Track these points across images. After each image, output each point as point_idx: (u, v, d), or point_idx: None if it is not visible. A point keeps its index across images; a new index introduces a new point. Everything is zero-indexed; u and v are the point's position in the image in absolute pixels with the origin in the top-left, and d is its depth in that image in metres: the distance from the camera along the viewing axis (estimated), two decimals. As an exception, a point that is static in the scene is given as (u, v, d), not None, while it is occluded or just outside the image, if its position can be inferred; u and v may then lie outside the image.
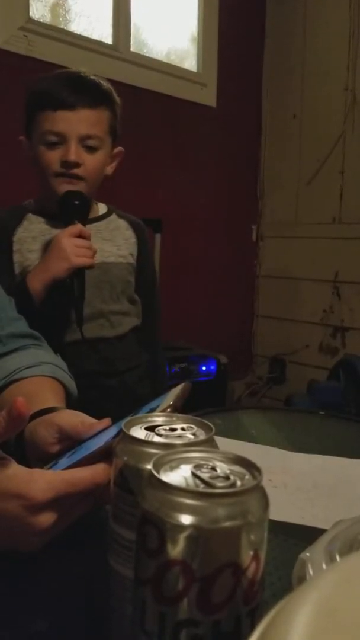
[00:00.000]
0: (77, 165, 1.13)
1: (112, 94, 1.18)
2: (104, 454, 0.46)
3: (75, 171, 1.13)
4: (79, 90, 1.13)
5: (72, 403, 0.76)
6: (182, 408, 0.47)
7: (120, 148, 1.24)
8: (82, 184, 1.15)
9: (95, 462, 0.46)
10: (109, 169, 1.24)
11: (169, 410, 0.45)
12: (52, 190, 1.14)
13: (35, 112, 1.15)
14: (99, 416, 0.56)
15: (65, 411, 0.60)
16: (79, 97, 1.12)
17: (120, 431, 0.40)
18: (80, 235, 1.10)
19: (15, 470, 0.45)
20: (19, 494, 0.43)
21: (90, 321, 1.17)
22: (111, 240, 1.27)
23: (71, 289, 1.10)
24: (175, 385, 0.51)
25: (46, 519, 0.44)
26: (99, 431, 0.53)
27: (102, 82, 1.17)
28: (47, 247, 1.14)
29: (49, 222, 1.20)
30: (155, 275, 1.40)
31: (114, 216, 1.31)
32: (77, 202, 1.13)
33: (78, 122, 1.12)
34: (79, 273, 1.10)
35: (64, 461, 0.51)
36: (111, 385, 1.20)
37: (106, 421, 0.54)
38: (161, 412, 0.45)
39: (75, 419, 0.56)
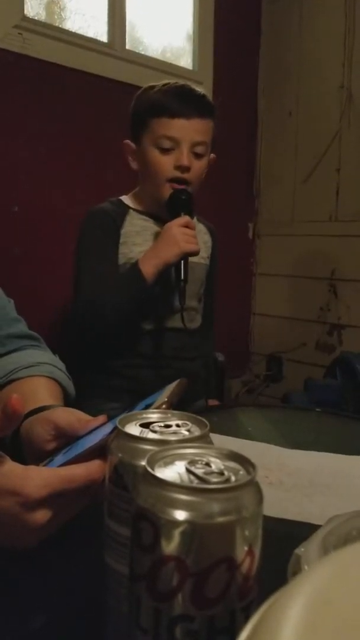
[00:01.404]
0: (187, 169, 1.24)
1: (214, 107, 1.30)
2: (100, 451, 0.46)
3: (186, 175, 1.25)
4: (193, 101, 1.24)
5: (70, 403, 0.76)
6: (178, 404, 0.47)
7: (213, 155, 1.35)
8: (188, 188, 1.26)
9: (90, 459, 0.46)
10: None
11: (164, 406, 0.45)
12: (160, 194, 1.26)
13: (149, 118, 1.25)
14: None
15: (61, 408, 0.60)
16: (193, 108, 1.23)
17: (116, 428, 0.40)
18: (187, 226, 1.23)
19: (11, 467, 0.45)
20: (14, 491, 0.43)
21: (174, 314, 1.30)
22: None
23: (178, 273, 1.22)
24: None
25: (41, 516, 0.44)
26: (94, 428, 0.53)
27: (206, 95, 1.29)
28: (150, 241, 1.28)
29: (150, 221, 1.31)
30: (218, 274, 1.53)
31: (195, 220, 1.40)
32: (184, 197, 1.25)
33: (192, 129, 1.23)
34: (185, 258, 1.22)
35: (60, 458, 0.51)
36: (184, 367, 1.31)
37: (102, 418, 0.54)
38: (156, 408, 0.45)
39: (71, 416, 0.56)
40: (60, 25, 2.08)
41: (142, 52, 2.37)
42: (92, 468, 0.45)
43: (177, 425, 0.41)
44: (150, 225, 1.31)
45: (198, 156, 1.26)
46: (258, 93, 2.85)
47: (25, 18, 1.92)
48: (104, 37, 2.22)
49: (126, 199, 1.35)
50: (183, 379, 0.51)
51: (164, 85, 1.27)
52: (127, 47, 2.29)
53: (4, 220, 1.84)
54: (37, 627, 0.43)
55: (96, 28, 2.20)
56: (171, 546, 0.30)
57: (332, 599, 0.19)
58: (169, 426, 0.40)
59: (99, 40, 2.19)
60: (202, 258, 1.39)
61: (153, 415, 0.42)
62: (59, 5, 2.12)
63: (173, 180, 1.25)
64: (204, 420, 0.41)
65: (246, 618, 0.31)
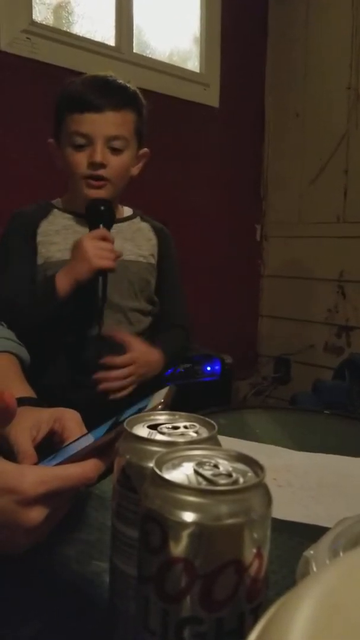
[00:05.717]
0: (102, 166, 1.17)
1: (137, 97, 1.23)
2: (94, 452, 0.46)
3: (101, 172, 1.18)
4: (105, 93, 1.17)
5: (25, 368, 0.79)
6: (174, 407, 0.47)
7: (145, 149, 1.29)
8: (108, 185, 1.20)
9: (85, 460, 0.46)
10: (135, 170, 1.29)
11: (159, 407, 0.45)
12: (79, 192, 1.21)
13: (63, 114, 1.19)
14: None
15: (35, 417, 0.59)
16: (105, 100, 1.16)
17: (101, 436, 0.40)
18: (104, 239, 1.15)
19: (5, 465, 0.44)
20: (11, 488, 0.42)
21: (108, 317, 1.23)
22: (132, 240, 1.32)
23: (95, 290, 1.16)
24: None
25: (37, 514, 0.43)
26: (75, 439, 0.53)
27: (128, 85, 1.22)
28: (71, 240, 1.20)
29: (74, 219, 1.26)
30: (179, 275, 1.45)
31: (137, 219, 1.37)
32: (102, 208, 1.19)
33: (104, 123, 1.16)
34: (102, 275, 1.16)
35: (51, 460, 0.50)
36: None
37: (79, 431, 0.54)
38: (152, 409, 0.45)
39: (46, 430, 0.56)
40: (68, 30, 2.09)
41: (149, 56, 2.38)
42: (88, 467, 0.45)
43: (185, 427, 0.40)
44: (72, 224, 1.26)
45: (116, 151, 1.19)
46: (265, 94, 2.85)
47: (34, 23, 1.93)
48: (111, 41, 2.23)
49: (58, 200, 1.31)
50: (172, 386, 0.50)
51: (83, 78, 1.21)
52: (135, 50, 2.30)
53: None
54: (43, 628, 0.43)
55: (103, 32, 2.21)
56: (179, 548, 0.30)
57: (341, 601, 0.19)
58: (176, 428, 0.40)
59: (106, 44, 2.19)
60: (142, 256, 1.32)
61: (161, 417, 0.42)
62: (67, 9, 2.13)
63: (89, 177, 1.19)
64: (211, 421, 0.41)
65: (255, 620, 0.31)
